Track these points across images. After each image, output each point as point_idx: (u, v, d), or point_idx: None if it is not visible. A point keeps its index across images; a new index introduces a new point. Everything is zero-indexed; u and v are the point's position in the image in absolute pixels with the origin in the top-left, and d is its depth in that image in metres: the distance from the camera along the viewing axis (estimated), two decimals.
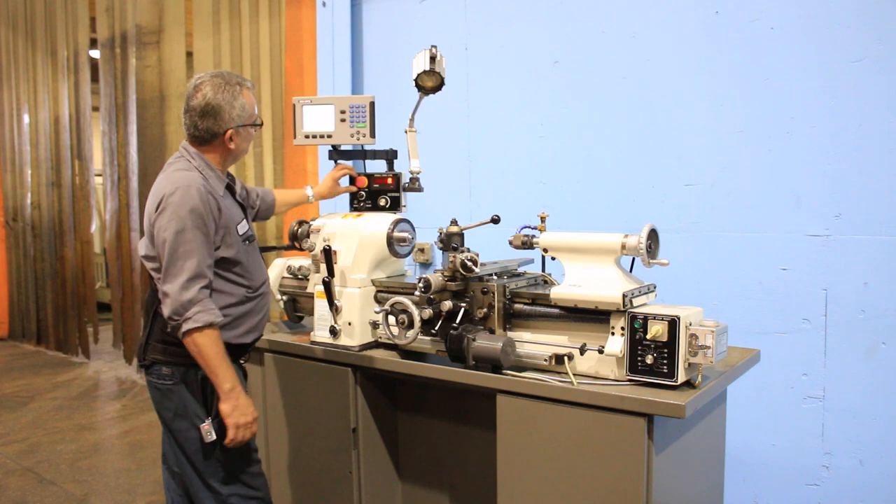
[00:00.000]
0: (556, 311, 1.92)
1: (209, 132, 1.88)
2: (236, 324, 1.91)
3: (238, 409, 1.78)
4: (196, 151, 1.92)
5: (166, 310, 1.74)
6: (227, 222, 1.86)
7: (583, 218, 2.86)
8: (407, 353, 2.17)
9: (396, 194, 2.47)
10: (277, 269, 2.62)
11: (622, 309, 1.79)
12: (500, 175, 3.13)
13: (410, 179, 2.45)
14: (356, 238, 2.31)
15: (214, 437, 1.79)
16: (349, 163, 2.47)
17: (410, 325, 1.99)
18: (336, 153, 2.54)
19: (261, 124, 1.99)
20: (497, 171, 3.14)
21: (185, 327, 1.73)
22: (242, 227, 1.92)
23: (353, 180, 2.45)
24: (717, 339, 1.71)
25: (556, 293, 1.89)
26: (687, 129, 2.64)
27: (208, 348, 1.74)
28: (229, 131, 1.88)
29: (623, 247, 1.84)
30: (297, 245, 2.57)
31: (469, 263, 1.96)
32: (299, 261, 2.60)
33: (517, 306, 2.00)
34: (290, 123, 3.73)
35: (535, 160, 3.02)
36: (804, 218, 2.41)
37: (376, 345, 2.28)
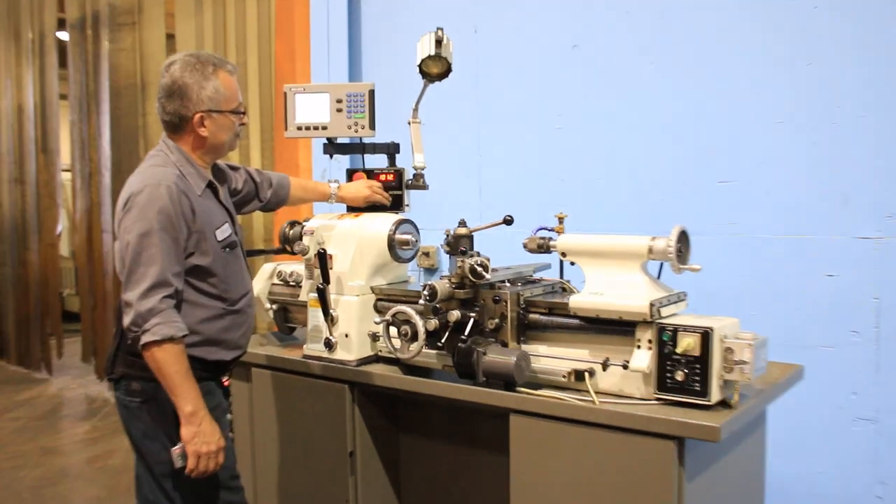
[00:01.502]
0: (575, 321, 1.93)
1: (177, 115, 1.86)
2: (213, 341, 1.90)
3: (200, 436, 1.74)
4: (175, 144, 1.92)
5: (126, 319, 1.73)
6: (203, 226, 1.85)
7: (605, 218, 2.86)
8: (410, 369, 2.18)
9: (399, 192, 2.48)
10: (266, 275, 2.63)
11: (649, 320, 1.79)
12: (513, 171, 3.13)
13: (414, 176, 2.47)
14: (354, 241, 2.32)
15: (184, 463, 1.76)
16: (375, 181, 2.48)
17: (414, 338, 2.00)
18: (332, 147, 2.55)
19: (243, 112, 1.98)
20: (510, 166, 3.15)
21: (143, 340, 1.71)
22: (222, 233, 1.91)
23: (378, 203, 2.44)
24: (755, 354, 1.72)
25: (575, 302, 1.90)
26: (721, 120, 2.64)
27: (168, 365, 1.72)
28: (198, 115, 1.85)
29: (650, 250, 1.85)
30: (288, 248, 2.58)
31: (479, 269, 1.97)
32: (291, 266, 2.61)
33: (532, 316, 2.00)
34: (280, 114, 3.75)
35: (553, 155, 3.02)
36: (852, 218, 2.41)
37: (376, 359, 2.29)
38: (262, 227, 4.05)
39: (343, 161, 3.37)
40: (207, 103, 1.88)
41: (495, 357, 1.90)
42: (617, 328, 1.86)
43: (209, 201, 1.95)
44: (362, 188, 2.43)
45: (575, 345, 1.95)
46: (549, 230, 2.21)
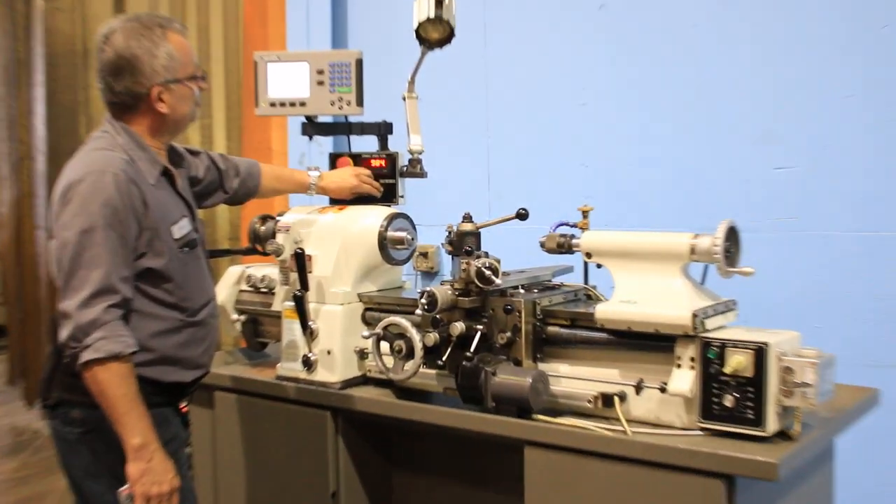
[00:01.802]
0: (602, 335, 1.94)
1: (130, 94, 1.86)
2: (169, 359, 1.90)
3: (150, 475, 1.73)
4: (122, 125, 1.92)
5: (63, 333, 1.73)
6: (156, 222, 1.85)
7: (638, 212, 2.85)
8: (405, 392, 2.19)
9: (392, 181, 2.49)
10: (232, 279, 2.64)
11: (692, 333, 1.80)
12: (528, 155, 3.13)
13: (410, 161, 2.48)
14: (338, 239, 2.32)
15: None
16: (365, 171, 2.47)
17: (409, 355, 2.01)
18: (311, 127, 2.56)
19: (203, 77, 1.98)
20: (524, 150, 3.14)
21: (83, 357, 1.70)
22: (180, 229, 1.91)
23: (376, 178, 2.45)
24: (820, 375, 1.72)
25: (602, 312, 1.91)
26: (778, 94, 2.62)
27: (112, 388, 1.71)
28: (156, 89, 1.86)
29: (692, 250, 1.86)
30: (258, 248, 2.59)
31: (488, 273, 1.98)
32: (262, 269, 2.62)
33: (551, 329, 2.01)
34: (250, 87, 3.74)
35: (575, 136, 3.01)
36: None
37: (364, 380, 2.30)
38: (227, 223, 4.04)
39: (325, 144, 3.38)
40: (163, 74, 1.87)
41: (507, 378, 1.91)
42: (652, 344, 1.87)
43: (164, 192, 1.94)
44: (348, 177, 2.43)
45: (602, 363, 1.95)
46: (571, 226, 2.23)
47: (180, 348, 1.94)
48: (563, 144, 3.03)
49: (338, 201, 2.48)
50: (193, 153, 2.21)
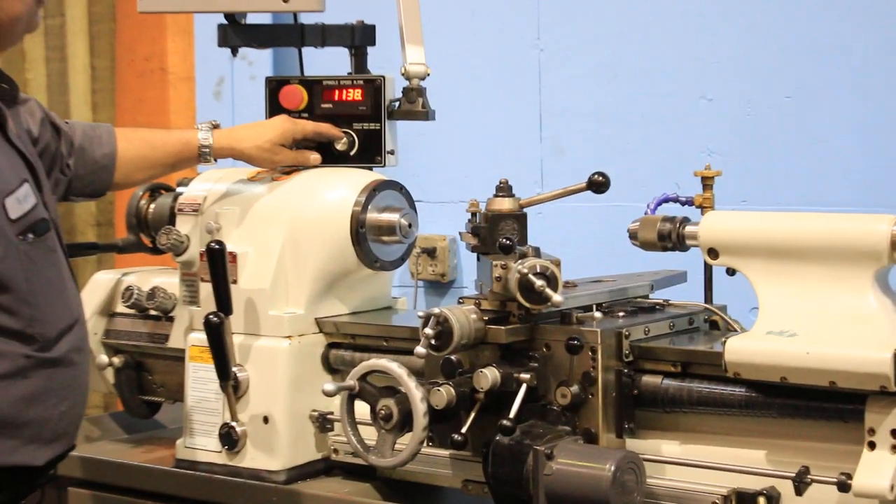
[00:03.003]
0: (737, 391, 1.92)
1: None
2: (6, 424, 1.95)
3: None
4: None
5: None
6: None
7: (791, 179, 2.89)
8: (395, 489, 2.20)
9: (374, 126, 2.49)
10: (101, 294, 2.66)
11: (895, 390, 1.78)
12: (608, 81, 3.16)
13: (405, 91, 2.48)
14: (282, 226, 2.34)
15: None
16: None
17: (404, 424, 1.99)
18: (236, 32, 2.55)
19: None
20: (603, 69, 3.17)
21: None
22: (20, 203, 1.98)
23: (324, 148, 2.48)
24: None
25: (737, 352, 1.89)
26: None
27: None
28: None
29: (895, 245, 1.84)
30: (144, 240, 2.61)
31: (539, 283, 1.96)
32: (151, 276, 2.63)
33: (648, 381, 2.01)
34: None
35: (680, 55, 3.05)
36: None
37: (325, 468, 2.31)
38: (91, 202, 4.05)
39: (259, 63, 3.38)
40: None
41: (572, 465, 1.89)
42: (825, 406, 1.86)
43: None
44: (276, 125, 2.45)
45: (736, 439, 1.95)
46: (683, 203, 2.21)
47: (25, 406, 1.96)
48: (668, 56, 3.07)
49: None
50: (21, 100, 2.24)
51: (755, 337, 1.91)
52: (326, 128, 2.48)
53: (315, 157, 2.47)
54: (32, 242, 1.97)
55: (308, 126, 2.47)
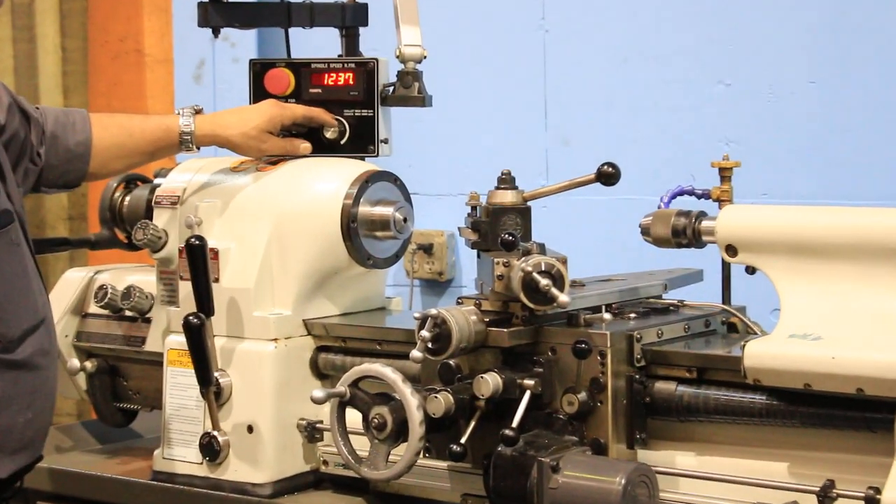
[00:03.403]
0: (756, 399, 1.92)
1: None
2: None
3: None
4: None
5: None
6: None
7: (810, 167, 2.89)
8: (388, 501, 2.19)
9: (366, 113, 2.49)
10: (72, 294, 2.65)
11: None
12: (619, 62, 3.16)
13: (400, 75, 2.47)
14: (267, 220, 2.34)
15: None
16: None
17: (399, 433, 1.99)
18: (218, 10, 2.54)
19: None
20: (612, 50, 3.17)
21: None
22: None
23: (312, 136, 2.47)
24: None
25: (756, 356, 1.89)
26: None
27: None
28: None
29: None
30: (119, 235, 2.60)
31: (544, 282, 1.95)
32: (126, 274, 2.62)
33: (661, 387, 2.01)
34: None
35: (696, 37, 3.05)
36: None
37: (314, 481, 2.31)
38: (62, 194, 4.06)
39: (242, 44, 3.37)
40: None
41: (579, 477, 1.88)
42: (851, 415, 1.85)
43: None
44: (263, 110, 2.44)
45: (756, 451, 1.95)
46: (699, 196, 2.20)
47: None
48: (683, 38, 3.07)
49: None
50: None
51: (777, 340, 1.90)
52: (318, 113, 2.47)
53: (305, 145, 2.46)
54: None
55: (298, 111, 2.45)
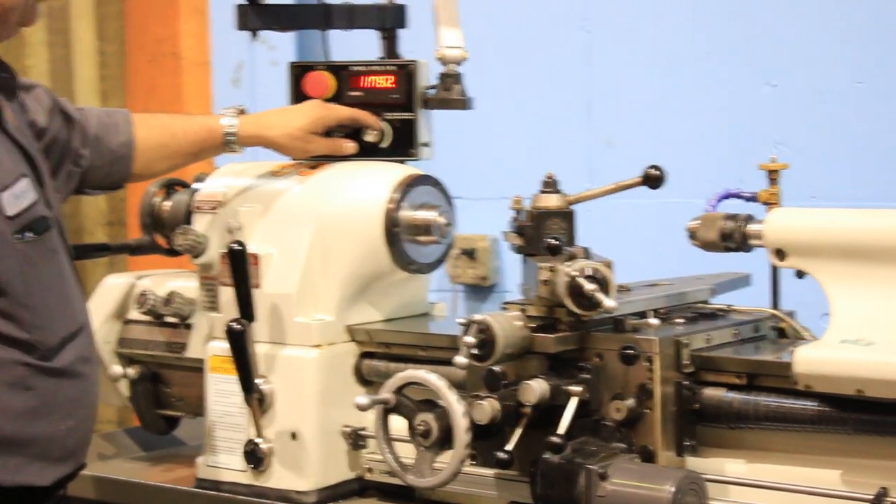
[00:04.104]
0: (808, 405, 1.91)
1: None
2: (4, 439, 1.96)
3: None
4: None
5: None
6: None
7: (856, 174, 2.89)
8: None
9: (407, 116, 2.50)
10: (112, 300, 2.66)
11: None
12: (662, 68, 3.16)
13: (441, 77, 2.48)
14: (308, 225, 2.34)
15: None
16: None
17: (444, 441, 1.99)
18: (256, 13, 2.55)
19: None
20: (650, 57, 3.17)
21: None
22: (17, 199, 1.99)
23: (357, 133, 2.48)
24: None
25: (807, 362, 1.88)
26: None
27: None
28: None
29: None
30: (160, 241, 2.61)
31: (590, 287, 1.96)
32: (167, 280, 2.63)
33: (710, 394, 2.00)
34: None
35: (742, 36, 3.05)
36: None
37: (359, 489, 2.32)
38: (100, 198, 4.08)
39: (282, 47, 3.39)
40: None
41: (627, 485, 1.88)
42: None
43: None
44: (306, 111, 2.45)
45: (808, 458, 1.94)
46: (747, 199, 2.20)
47: (28, 421, 1.97)
48: (729, 38, 3.07)
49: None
50: (26, 87, 2.25)
51: (827, 346, 1.90)
52: (363, 114, 2.46)
53: (350, 145, 2.46)
54: (31, 242, 1.98)
55: (343, 112, 2.45)
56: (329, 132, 2.46)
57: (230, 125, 2.40)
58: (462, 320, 2.01)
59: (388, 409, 2.04)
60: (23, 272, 1.96)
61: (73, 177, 2.31)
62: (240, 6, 2.55)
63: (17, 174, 1.99)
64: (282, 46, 3.37)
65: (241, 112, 2.44)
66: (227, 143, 2.40)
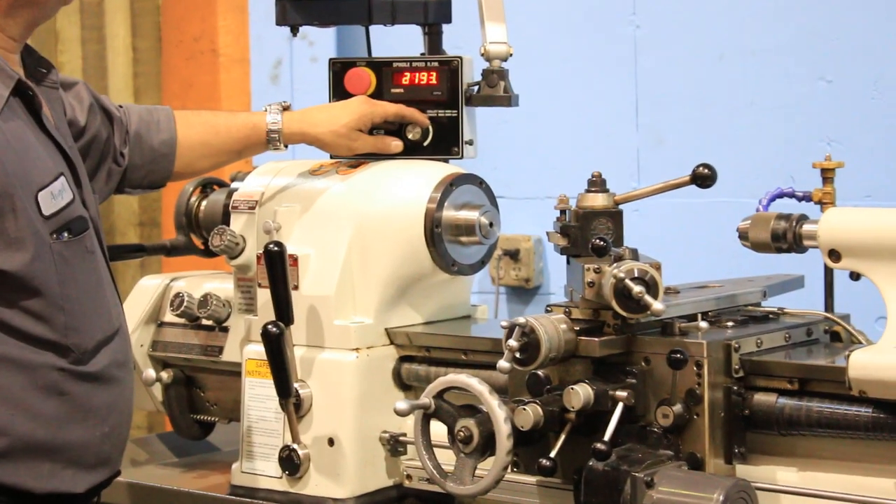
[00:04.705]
0: (863, 412, 1.89)
1: None
2: (39, 447, 1.97)
3: None
4: None
5: None
6: (8, 183, 1.93)
7: None
8: None
9: (450, 113, 2.50)
10: (146, 302, 2.67)
11: None
12: (713, 64, 3.16)
13: (485, 74, 2.47)
14: (348, 225, 2.34)
15: None
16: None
17: (486, 448, 1.99)
18: (296, 8, 2.55)
19: None
20: (700, 53, 3.17)
21: None
22: (54, 198, 2.00)
23: (400, 130, 2.47)
24: None
25: (863, 366, 1.86)
26: None
27: None
28: None
29: None
30: (195, 242, 2.63)
31: (637, 289, 1.94)
32: (202, 282, 2.64)
33: (761, 399, 1.99)
34: None
35: (795, 31, 3.04)
36: None
37: (398, 496, 2.31)
38: (134, 198, 4.12)
39: (321, 43, 3.39)
40: None
41: (675, 495, 1.87)
42: None
43: (18, 127, 2.00)
44: (353, 108, 2.45)
45: (862, 466, 1.92)
46: (800, 199, 2.18)
47: (62, 426, 1.98)
48: (782, 33, 3.06)
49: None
50: (67, 84, 2.26)
51: (883, 350, 1.88)
52: (409, 111, 2.46)
53: (396, 143, 2.45)
54: (68, 242, 1.98)
55: (389, 108, 2.45)
56: (372, 129, 2.46)
57: (274, 122, 2.40)
58: (505, 323, 1.99)
59: (427, 415, 2.03)
60: (59, 273, 1.96)
61: (114, 176, 2.32)
62: (279, 1, 2.55)
63: (56, 173, 1.99)
64: (321, 42, 3.38)
65: (286, 108, 2.44)
66: (271, 140, 2.40)
